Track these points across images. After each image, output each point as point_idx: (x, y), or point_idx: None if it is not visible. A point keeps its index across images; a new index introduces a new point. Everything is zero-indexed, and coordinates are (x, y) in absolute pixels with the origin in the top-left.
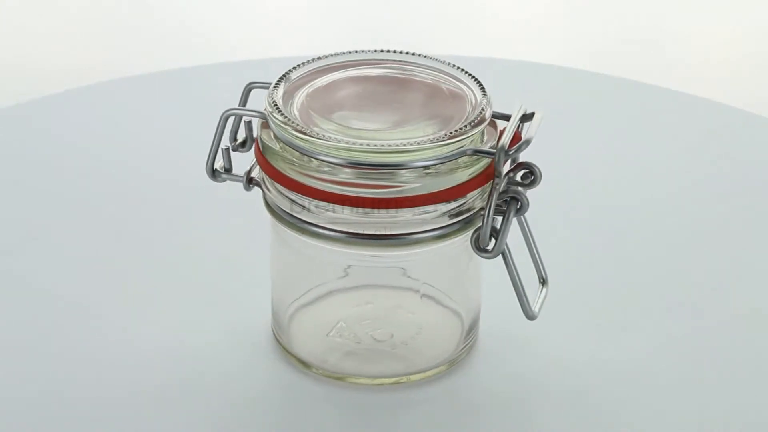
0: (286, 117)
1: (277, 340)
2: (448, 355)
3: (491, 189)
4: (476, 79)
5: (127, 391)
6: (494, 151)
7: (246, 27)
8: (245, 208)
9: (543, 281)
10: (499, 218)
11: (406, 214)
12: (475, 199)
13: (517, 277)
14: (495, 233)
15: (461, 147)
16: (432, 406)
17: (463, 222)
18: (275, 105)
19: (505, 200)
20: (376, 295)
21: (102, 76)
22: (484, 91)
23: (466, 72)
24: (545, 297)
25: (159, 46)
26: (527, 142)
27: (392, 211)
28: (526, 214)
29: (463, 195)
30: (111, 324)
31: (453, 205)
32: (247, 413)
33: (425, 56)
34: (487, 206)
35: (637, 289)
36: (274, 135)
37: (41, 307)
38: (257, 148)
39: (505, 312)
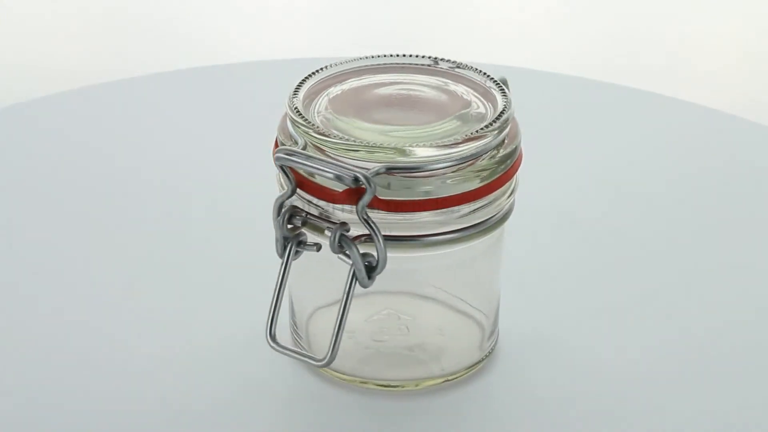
0: (306, 119)
1: (295, 343)
2: (467, 360)
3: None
4: (498, 83)
5: (140, 394)
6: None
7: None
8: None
9: (322, 358)
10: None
11: (423, 216)
12: (491, 203)
13: (277, 294)
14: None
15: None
16: (449, 413)
17: (481, 226)
18: (295, 108)
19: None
20: (394, 300)
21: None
22: (506, 96)
23: (488, 76)
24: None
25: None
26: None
27: (410, 213)
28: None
29: (477, 199)
30: (124, 327)
31: (471, 207)
32: (263, 415)
33: (444, 59)
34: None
35: (655, 291)
36: (294, 139)
37: (51, 308)
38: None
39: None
